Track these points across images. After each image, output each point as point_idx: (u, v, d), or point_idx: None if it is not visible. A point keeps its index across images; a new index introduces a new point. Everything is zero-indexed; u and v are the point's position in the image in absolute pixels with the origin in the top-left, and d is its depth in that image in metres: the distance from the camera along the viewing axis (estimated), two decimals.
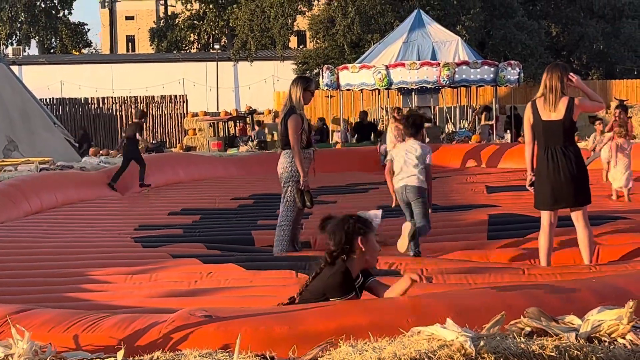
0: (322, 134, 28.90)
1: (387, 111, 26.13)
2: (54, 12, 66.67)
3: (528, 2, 41.22)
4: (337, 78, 26.84)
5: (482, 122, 27.05)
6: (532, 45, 37.02)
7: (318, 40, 38.63)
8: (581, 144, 13.89)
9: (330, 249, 5.27)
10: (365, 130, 27.05)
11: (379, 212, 7.71)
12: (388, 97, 29.49)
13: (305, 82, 9.26)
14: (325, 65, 28.59)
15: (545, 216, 7.68)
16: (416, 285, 5.42)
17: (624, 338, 4.27)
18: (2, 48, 62.98)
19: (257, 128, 30.39)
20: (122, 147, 18.90)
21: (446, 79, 25.04)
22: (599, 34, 40.08)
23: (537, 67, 37.10)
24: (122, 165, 16.32)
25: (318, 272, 5.29)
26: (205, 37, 57.18)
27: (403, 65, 25.23)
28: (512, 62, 27.40)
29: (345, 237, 5.23)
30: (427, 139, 24.84)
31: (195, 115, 37.35)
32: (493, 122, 26.90)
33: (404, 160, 8.63)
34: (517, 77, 26.77)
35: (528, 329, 4.39)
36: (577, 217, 7.65)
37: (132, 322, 4.97)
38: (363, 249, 5.24)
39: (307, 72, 39.65)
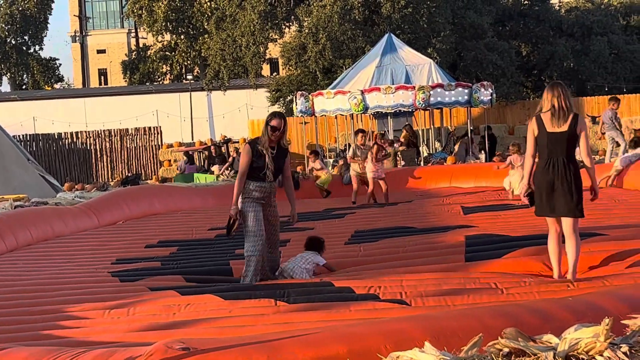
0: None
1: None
2: (24, 48, 66.56)
3: (498, 22, 41.50)
4: (312, 104, 26.91)
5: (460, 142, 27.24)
6: (503, 65, 37.26)
7: (290, 67, 38.73)
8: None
9: None
10: None
11: None
12: (362, 121, 29.61)
13: (268, 117, 9.24)
14: (299, 92, 28.65)
15: (551, 223, 7.97)
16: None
17: (601, 355, 4.28)
18: None
19: (184, 158, 30.72)
20: None
21: (422, 102, 25.16)
22: (569, 52, 40.39)
23: (509, 87, 37.35)
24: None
25: None
26: (178, 68, 57.17)
27: (378, 89, 25.33)
28: (485, 82, 27.57)
29: None
30: (403, 162, 24.99)
31: (170, 146, 37.35)
32: (469, 141, 27.10)
33: None
34: (490, 97, 26.95)
35: (506, 349, 4.39)
36: (568, 229, 7.87)
37: (109, 357, 4.94)
38: None
39: (281, 99, 39.74)
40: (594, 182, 7.97)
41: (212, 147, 32.43)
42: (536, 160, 8.08)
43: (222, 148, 32.23)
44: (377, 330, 4.91)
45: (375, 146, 17.42)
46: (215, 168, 29.22)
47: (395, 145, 24.93)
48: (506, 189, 16.45)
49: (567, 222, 7.86)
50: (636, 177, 16.49)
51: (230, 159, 29.24)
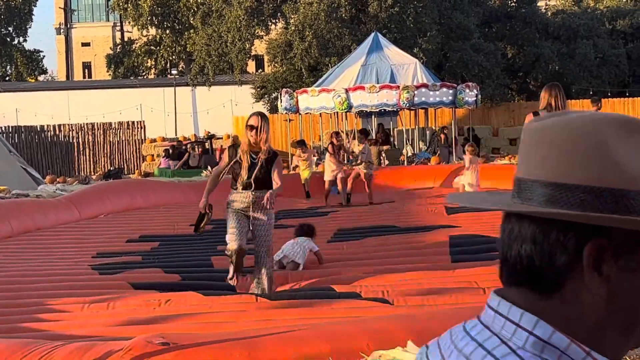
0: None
1: (347, 134, 26.09)
2: (8, 39, 66.18)
3: (484, 24, 41.55)
4: (297, 102, 26.85)
5: (442, 142, 27.26)
6: (489, 66, 37.30)
7: (276, 64, 38.66)
8: None
9: None
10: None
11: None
12: (347, 119, 29.58)
13: (248, 117, 8.62)
14: (284, 89, 28.60)
15: None
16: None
17: None
18: None
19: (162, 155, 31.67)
20: None
21: (406, 102, 25.12)
22: (555, 55, 40.49)
23: (494, 89, 37.39)
24: None
25: None
26: (163, 62, 56.97)
27: (363, 88, 25.28)
28: (470, 83, 27.57)
29: None
30: (387, 162, 24.97)
31: (153, 141, 37.21)
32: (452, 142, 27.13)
33: None
34: (475, 98, 26.95)
35: None
36: None
37: (87, 350, 4.87)
38: None
39: (266, 96, 39.65)
40: None
41: (175, 144, 32.70)
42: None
43: (206, 144, 32.24)
44: (360, 329, 4.87)
45: (330, 146, 17.30)
46: (171, 164, 29.67)
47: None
48: (460, 190, 16.35)
49: None
50: None
51: (186, 156, 29.72)
